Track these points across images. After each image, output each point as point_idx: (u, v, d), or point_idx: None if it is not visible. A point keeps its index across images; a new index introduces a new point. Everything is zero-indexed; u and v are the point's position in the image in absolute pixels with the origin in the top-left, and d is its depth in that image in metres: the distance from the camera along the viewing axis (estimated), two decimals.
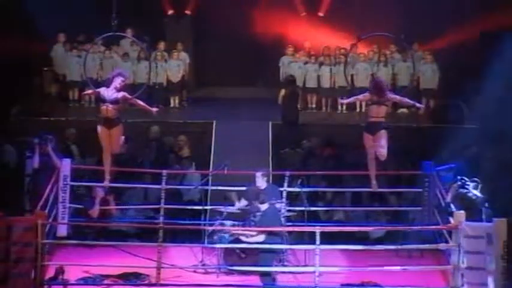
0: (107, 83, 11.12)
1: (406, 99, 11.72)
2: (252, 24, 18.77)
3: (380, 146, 11.00)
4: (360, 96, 11.54)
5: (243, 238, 10.94)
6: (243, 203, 12.07)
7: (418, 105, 11.99)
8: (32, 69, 17.01)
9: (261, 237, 10.57)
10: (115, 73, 11.27)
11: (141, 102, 11.23)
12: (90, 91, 11.68)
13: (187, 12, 19.56)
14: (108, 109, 10.92)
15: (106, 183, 11.70)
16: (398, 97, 11.62)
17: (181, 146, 15.25)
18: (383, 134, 11.06)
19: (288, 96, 16.45)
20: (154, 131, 15.42)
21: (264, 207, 10.61)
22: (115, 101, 10.90)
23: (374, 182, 11.47)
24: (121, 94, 10.94)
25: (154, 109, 11.43)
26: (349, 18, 18.29)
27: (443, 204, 11.71)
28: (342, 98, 12.59)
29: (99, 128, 11.06)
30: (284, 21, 18.94)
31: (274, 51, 18.53)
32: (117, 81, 10.99)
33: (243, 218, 12.06)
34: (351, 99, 12.08)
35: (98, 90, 11.04)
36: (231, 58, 19.23)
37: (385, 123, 11.05)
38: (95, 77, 17.18)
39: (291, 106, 16.38)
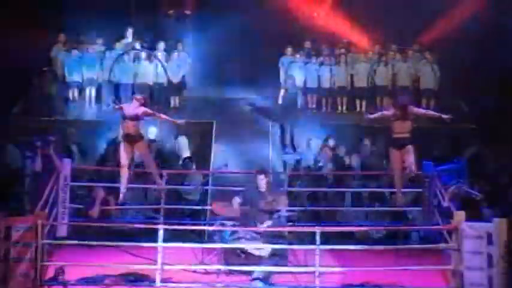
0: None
1: (431, 112, 11.68)
2: (252, 24, 18.78)
3: (409, 162, 11.06)
4: (386, 112, 11.56)
5: (246, 247, 10.90)
6: (237, 201, 11.99)
7: (444, 116, 11.78)
8: (32, 69, 17.01)
9: (265, 252, 10.49)
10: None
11: (164, 116, 11.47)
12: (117, 106, 11.68)
13: (187, 12, 19.58)
14: (128, 125, 11.15)
15: (121, 199, 11.91)
16: (422, 110, 11.62)
17: (181, 146, 15.26)
18: (410, 149, 11.10)
19: (288, 96, 16.45)
20: (152, 132, 15.42)
21: (264, 225, 10.57)
22: (135, 117, 11.07)
23: (400, 194, 11.58)
24: (141, 110, 11.10)
25: (180, 121, 11.66)
26: (349, 19, 18.34)
27: (443, 204, 11.72)
28: (369, 114, 12.30)
29: (122, 145, 11.27)
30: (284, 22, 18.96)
31: (274, 51, 18.53)
32: (134, 100, 11.23)
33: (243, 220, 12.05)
34: (377, 115, 11.93)
35: (121, 105, 11.23)
36: (231, 58, 19.23)
37: (410, 138, 11.09)
38: (95, 77, 17.24)
39: (290, 106, 16.37)
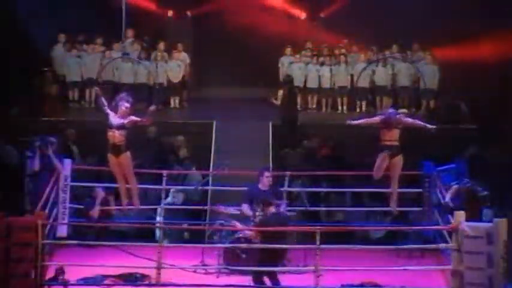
0: (114, 107, 11.06)
1: (418, 122, 11.57)
2: (252, 24, 18.79)
3: (395, 172, 11.02)
4: (370, 120, 11.44)
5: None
6: (245, 207, 11.96)
7: (428, 126, 11.70)
8: (32, 70, 17.01)
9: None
10: (118, 98, 11.18)
11: (149, 118, 11.20)
12: (107, 111, 11.37)
13: (188, 12, 19.62)
14: (114, 135, 10.90)
15: (124, 206, 11.75)
16: (410, 120, 11.48)
17: (178, 146, 15.23)
18: (398, 163, 11.04)
19: (287, 96, 16.45)
20: (151, 131, 15.41)
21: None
22: (121, 127, 10.89)
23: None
24: (127, 119, 10.92)
25: (152, 108, 11.35)
26: (349, 19, 18.33)
27: (443, 204, 11.71)
28: (350, 120, 11.99)
29: (108, 156, 11.11)
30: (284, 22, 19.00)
31: (274, 51, 18.53)
32: (122, 108, 10.97)
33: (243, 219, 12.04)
34: (360, 121, 11.73)
35: (108, 112, 10.97)
36: (230, 58, 19.24)
37: (399, 147, 11.03)
38: (95, 77, 17.24)
39: (290, 106, 16.37)
